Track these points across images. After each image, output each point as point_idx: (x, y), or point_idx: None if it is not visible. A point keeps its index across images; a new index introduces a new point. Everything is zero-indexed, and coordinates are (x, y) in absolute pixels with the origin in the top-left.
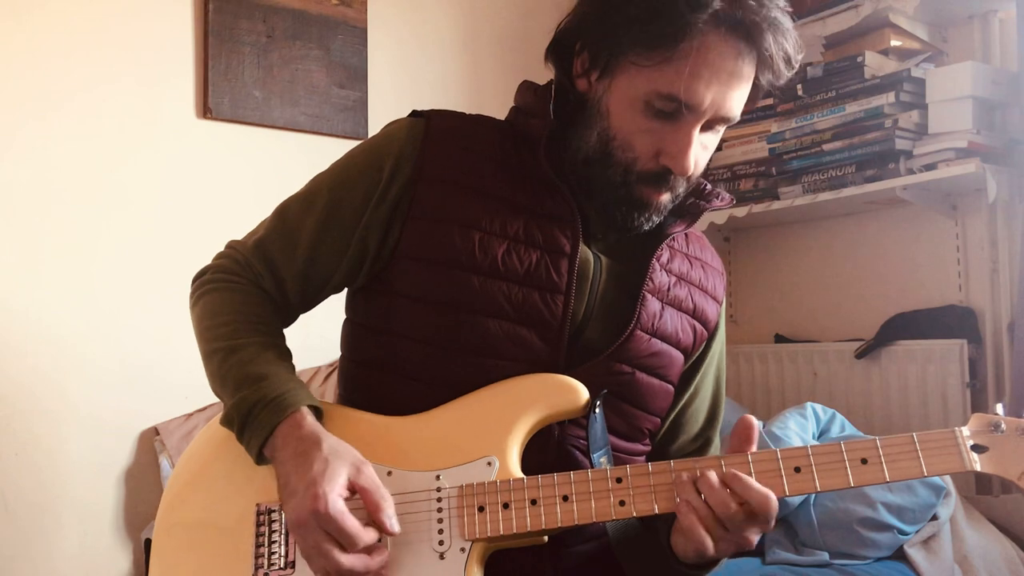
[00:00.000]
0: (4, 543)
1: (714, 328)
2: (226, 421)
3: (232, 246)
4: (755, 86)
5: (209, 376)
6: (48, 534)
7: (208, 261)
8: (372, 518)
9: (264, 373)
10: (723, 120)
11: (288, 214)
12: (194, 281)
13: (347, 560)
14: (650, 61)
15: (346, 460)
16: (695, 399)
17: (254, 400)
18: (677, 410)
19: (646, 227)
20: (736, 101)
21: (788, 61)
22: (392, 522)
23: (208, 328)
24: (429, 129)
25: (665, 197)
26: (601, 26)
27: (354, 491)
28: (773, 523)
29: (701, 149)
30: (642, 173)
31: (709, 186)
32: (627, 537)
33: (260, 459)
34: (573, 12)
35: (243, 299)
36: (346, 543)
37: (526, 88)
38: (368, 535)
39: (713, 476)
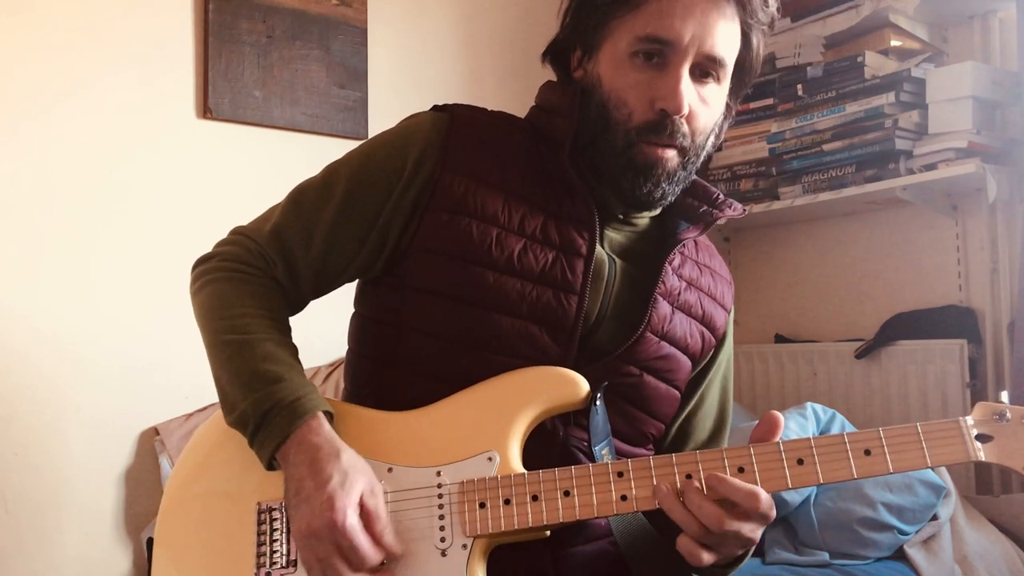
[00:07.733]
0: (4, 543)
1: (722, 336)
2: (239, 423)
3: (242, 232)
4: (745, 36)
5: (216, 365)
6: (48, 534)
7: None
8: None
9: (280, 374)
10: (712, 61)
11: (304, 203)
12: (197, 266)
13: None
14: (627, 10)
15: (363, 476)
16: (702, 406)
17: (271, 403)
18: (684, 417)
19: (657, 196)
20: (720, 37)
21: None
22: (395, 546)
23: (219, 318)
24: (453, 123)
25: (670, 156)
26: (584, 12)
27: (362, 509)
28: (773, 515)
29: (700, 102)
30: (641, 126)
31: (721, 196)
32: (635, 541)
33: (271, 463)
34: (562, 23)
35: (256, 291)
36: (355, 561)
37: (550, 87)
38: (376, 555)
39: (694, 489)
